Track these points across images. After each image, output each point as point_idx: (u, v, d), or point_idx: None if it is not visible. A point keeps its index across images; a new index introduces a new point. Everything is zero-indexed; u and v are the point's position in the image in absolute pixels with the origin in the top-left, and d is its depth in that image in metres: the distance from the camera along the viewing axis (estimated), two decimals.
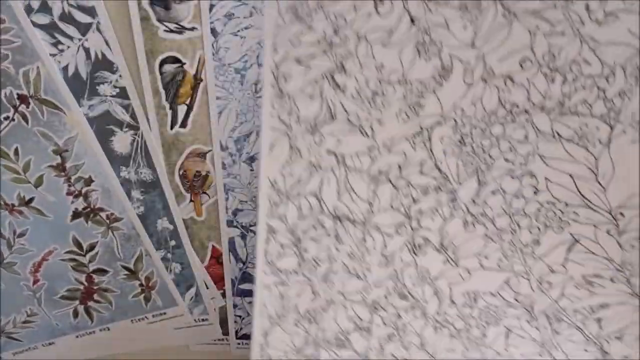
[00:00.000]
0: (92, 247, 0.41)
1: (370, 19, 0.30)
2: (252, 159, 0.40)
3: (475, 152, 0.32)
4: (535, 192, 0.33)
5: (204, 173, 0.40)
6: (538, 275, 0.36)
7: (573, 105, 0.30)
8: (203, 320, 0.47)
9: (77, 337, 0.45)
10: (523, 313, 0.37)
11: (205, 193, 0.41)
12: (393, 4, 0.29)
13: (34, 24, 0.35)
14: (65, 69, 0.36)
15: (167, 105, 0.38)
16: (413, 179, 0.34)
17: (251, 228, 0.43)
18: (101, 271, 0.42)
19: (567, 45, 0.29)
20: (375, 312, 0.38)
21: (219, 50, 0.36)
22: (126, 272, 0.43)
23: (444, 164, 0.33)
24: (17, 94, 0.36)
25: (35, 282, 0.42)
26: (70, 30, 0.35)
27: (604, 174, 0.32)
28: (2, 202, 0.39)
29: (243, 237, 0.44)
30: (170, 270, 0.44)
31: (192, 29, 0.36)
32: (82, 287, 0.43)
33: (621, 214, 0.33)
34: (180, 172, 0.40)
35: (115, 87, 0.37)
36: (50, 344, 0.45)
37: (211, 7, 0.35)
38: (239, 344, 0.49)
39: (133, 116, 0.38)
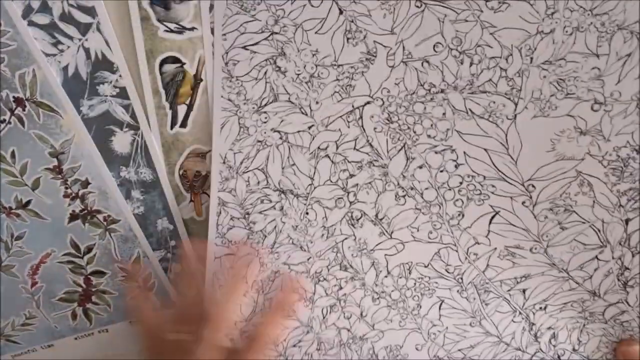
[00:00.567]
0: (89, 249, 0.41)
1: (305, 10, 0.34)
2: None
3: (402, 129, 0.36)
4: (456, 166, 0.37)
5: (204, 173, 0.40)
6: (465, 246, 0.39)
7: (481, 84, 0.34)
8: None
9: (75, 339, 0.45)
10: (454, 284, 0.40)
11: (205, 193, 0.40)
12: None
13: (34, 24, 0.35)
14: (65, 69, 0.36)
15: (167, 105, 0.38)
16: (349, 155, 0.37)
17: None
18: (99, 273, 0.42)
19: (470, 31, 0.33)
20: (318, 283, 0.40)
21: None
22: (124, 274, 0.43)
23: (375, 141, 0.37)
24: (13, 97, 0.36)
25: (33, 284, 0.42)
26: (70, 30, 0.35)
27: (513, 147, 0.36)
28: None
29: None
30: (170, 271, 0.43)
31: (192, 29, 0.36)
32: (80, 289, 0.43)
33: (532, 185, 0.37)
34: (180, 172, 0.40)
35: (115, 87, 0.37)
36: (49, 346, 0.45)
37: (211, 7, 0.35)
38: None
39: (133, 116, 0.38)
